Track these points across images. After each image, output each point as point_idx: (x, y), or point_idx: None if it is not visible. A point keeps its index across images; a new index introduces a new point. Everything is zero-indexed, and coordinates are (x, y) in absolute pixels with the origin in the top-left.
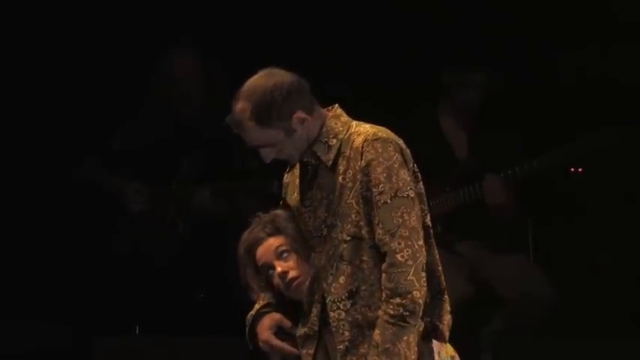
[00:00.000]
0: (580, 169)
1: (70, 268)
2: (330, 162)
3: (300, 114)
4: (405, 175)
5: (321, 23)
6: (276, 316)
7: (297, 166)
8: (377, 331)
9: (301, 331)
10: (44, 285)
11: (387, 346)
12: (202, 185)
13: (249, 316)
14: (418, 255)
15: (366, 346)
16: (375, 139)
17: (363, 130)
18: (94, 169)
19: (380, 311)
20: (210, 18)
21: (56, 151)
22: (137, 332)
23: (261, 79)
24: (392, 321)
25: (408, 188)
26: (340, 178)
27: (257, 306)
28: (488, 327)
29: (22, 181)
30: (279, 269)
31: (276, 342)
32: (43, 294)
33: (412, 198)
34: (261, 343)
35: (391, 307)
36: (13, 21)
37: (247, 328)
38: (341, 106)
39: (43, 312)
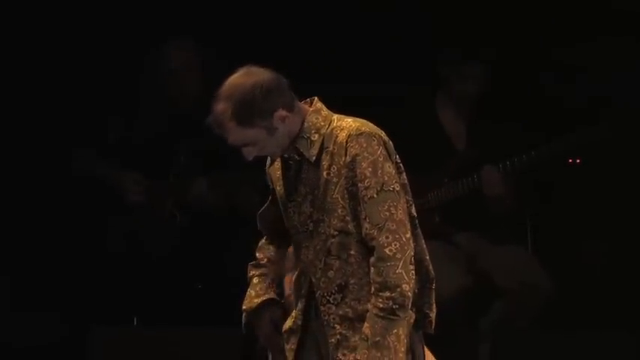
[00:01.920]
0: (578, 161)
1: (69, 260)
2: (314, 157)
3: (281, 112)
4: (389, 168)
5: (318, 17)
6: (277, 313)
7: (275, 161)
8: (366, 325)
9: (286, 326)
10: (42, 277)
11: (377, 339)
12: (200, 177)
13: (251, 301)
14: (406, 248)
15: (357, 339)
16: (359, 134)
17: (346, 124)
18: (91, 161)
19: (369, 305)
20: (207, 9)
21: (54, 144)
22: (135, 323)
23: (240, 79)
24: (382, 314)
25: (394, 181)
26: (325, 173)
27: (258, 289)
28: (487, 317)
29: (19, 171)
30: None
31: (276, 338)
32: (42, 286)
33: (398, 191)
34: (262, 336)
35: (380, 300)
36: (7, 15)
37: (247, 313)
38: (337, 102)
39: (42, 304)
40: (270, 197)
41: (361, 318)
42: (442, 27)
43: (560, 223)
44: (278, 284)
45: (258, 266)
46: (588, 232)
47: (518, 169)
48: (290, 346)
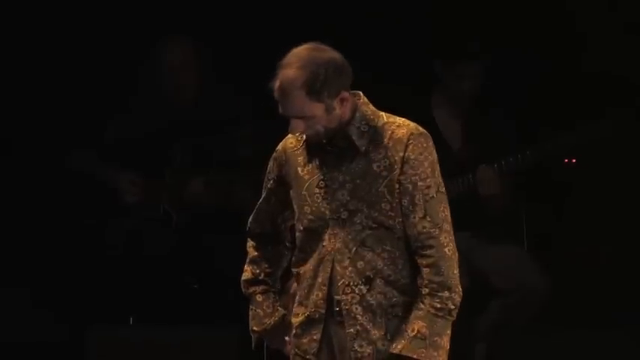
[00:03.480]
0: (573, 160)
1: (65, 259)
2: (363, 147)
3: (344, 94)
4: (439, 171)
5: (317, 17)
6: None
7: (298, 146)
8: (421, 324)
9: (301, 317)
10: (39, 276)
11: (435, 339)
12: (196, 175)
13: (261, 321)
14: (456, 250)
15: (375, 332)
16: (420, 134)
17: (402, 122)
18: (87, 160)
19: (422, 304)
20: (206, 8)
21: (51, 143)
22: (132, 323)
23: (314, 52)
24: (440, 314)
25: (443, 184)
26: (375, 165)
27: (265, 308)
28: (484, 318)
29: (16, 171)
30: None
31: None
32: (39, 286)
33: (445, 194)
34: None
35: (438, 300)
36: (5, 14)
37: (259, 334)
38: None
39: (38, 303)
40: (270, 188)
41: (383, 312)
42: (440, 26)
43: (557, 222)
44: (279, 293)
45: (257, 282)
46: (586, 232)
47: (514, 168)
48: (312, 337)
